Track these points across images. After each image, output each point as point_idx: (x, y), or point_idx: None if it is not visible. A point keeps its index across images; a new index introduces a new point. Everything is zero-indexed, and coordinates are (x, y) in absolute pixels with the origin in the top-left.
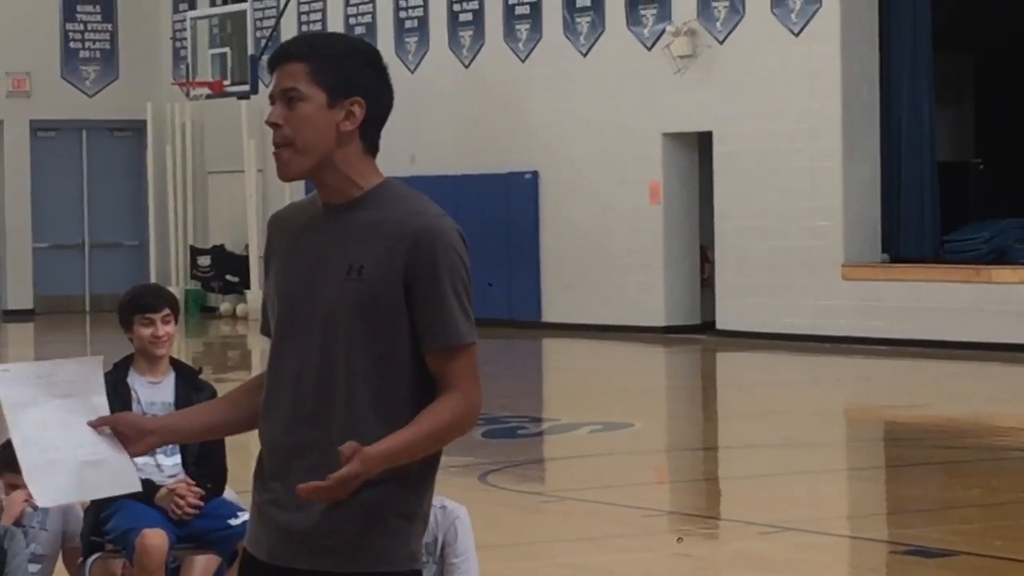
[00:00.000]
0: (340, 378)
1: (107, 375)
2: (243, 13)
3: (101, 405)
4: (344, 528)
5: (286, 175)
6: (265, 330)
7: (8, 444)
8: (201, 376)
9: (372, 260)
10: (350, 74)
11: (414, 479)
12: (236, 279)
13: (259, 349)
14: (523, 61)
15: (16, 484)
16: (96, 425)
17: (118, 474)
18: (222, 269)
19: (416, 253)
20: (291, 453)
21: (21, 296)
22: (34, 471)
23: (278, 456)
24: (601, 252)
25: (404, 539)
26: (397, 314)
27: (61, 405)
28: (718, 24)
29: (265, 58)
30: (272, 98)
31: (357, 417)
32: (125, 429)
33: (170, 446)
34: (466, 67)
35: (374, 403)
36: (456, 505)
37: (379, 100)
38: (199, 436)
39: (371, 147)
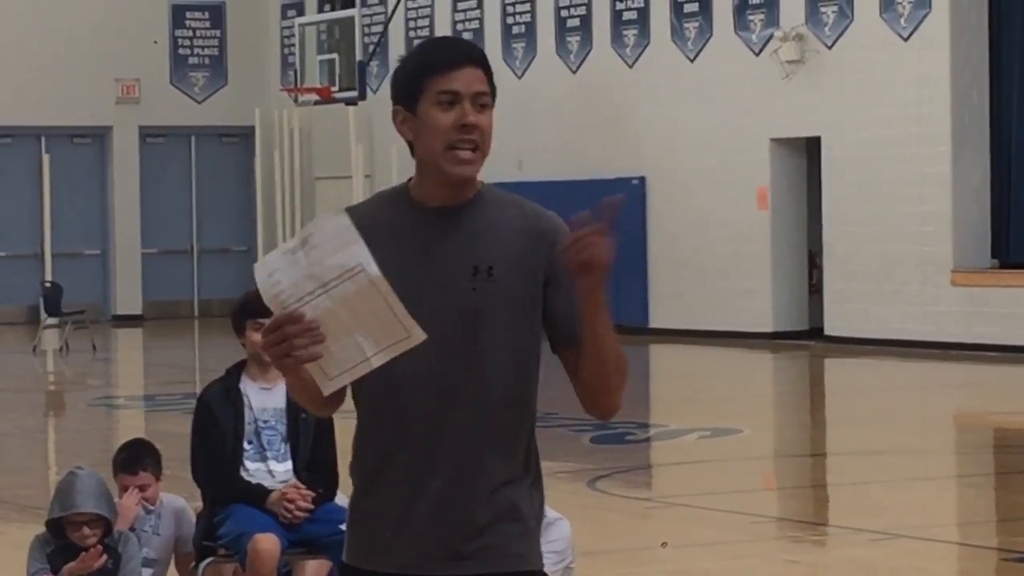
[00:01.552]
0: (477, 378)
1: (219, 380)
2: (351, 19)
3: (360, 254)
4: (486, 531)
5: (467, 177)
6: None
7: (124, 447)
8: None
9: (502, 259)
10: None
11: (539, 478)
12: None
13: None
14: (631, 67)
15: (127, 486)
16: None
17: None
18: None
19: (556, 250)
20: (431, 459)
21: (130, 301)
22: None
23: (417, 462)
24: (708, 258)
25: (536, 537)
26: (532, 312)
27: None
28: (826, 29)
29: (374, 64)
30: (454, 96)
31: (497, 415)
32: None
33: (282, 452)
34: (574, 73)
35: (511, 400)
36: (558, 515)
37: None
38: None
39: None
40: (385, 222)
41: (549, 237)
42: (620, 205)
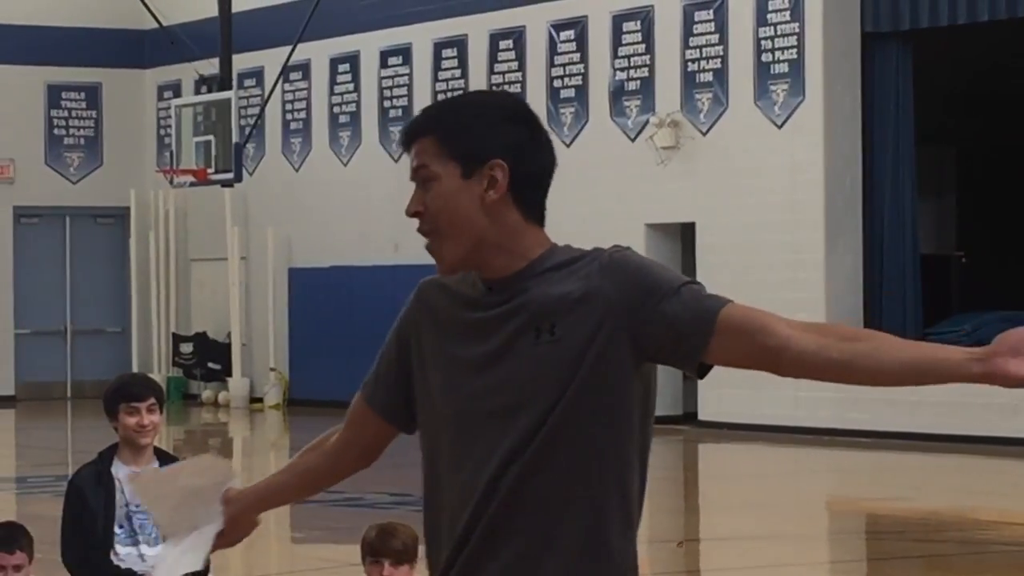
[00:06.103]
0: (561, 465)
1: (91, 464)
2: (228, 101)
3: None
4: None
5: (443, 269)
6: (374, 400)
7: None
8: None
9: (566, 319)
10: (483, 135)
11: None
12: (218, 366)
13: (240, 437)
14: None
15: (4, 566)
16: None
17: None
18: (204, 356)
19: (623, 282)
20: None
21: (3, 382)
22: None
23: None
24: None
25: None
26: (607, 366)
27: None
28: (701, 116)
29: (250, 146)
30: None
31: (602, 500)
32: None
33: (153, 536)
34: None
35: (615, 484)
36: None
37: (528, 156)
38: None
39: (532, 211)
40: (452, 302)
41: (606, 274)
42: None
